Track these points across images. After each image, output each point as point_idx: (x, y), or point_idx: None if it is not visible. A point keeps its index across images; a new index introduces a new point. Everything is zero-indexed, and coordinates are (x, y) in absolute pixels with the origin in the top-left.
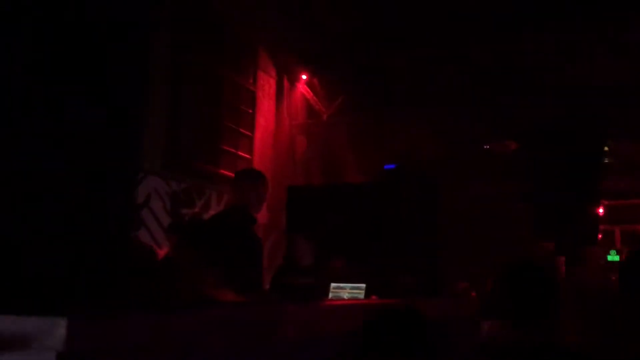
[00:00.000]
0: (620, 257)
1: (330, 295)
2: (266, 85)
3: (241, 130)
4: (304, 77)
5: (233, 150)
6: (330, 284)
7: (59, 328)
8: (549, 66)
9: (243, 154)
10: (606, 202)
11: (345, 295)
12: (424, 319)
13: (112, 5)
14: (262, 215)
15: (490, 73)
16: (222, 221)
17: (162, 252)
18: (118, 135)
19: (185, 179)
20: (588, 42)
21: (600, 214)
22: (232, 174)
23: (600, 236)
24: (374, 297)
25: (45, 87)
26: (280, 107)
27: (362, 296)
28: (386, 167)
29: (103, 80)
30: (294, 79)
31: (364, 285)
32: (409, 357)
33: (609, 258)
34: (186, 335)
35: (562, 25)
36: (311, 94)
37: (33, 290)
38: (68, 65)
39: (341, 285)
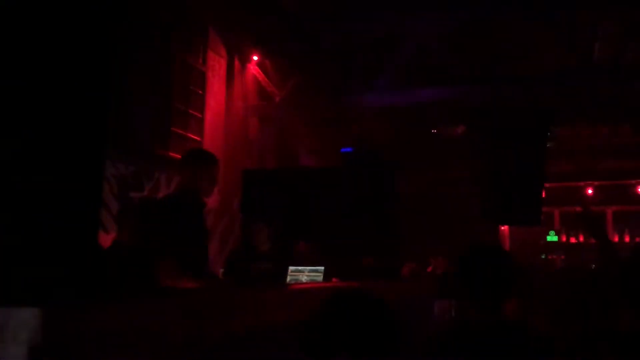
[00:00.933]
0: (558, 238)
1: (289, 278)
2: (216, 65)
3: (191, 111)
4: (255, 57)
5: (182, 132)
6: (288, 267)
7: (32, 318)
8: (498, 53)
9: (193, 136)
10: (547, 185)
11: (303, 278)
12: (381, 302)
13: None
14: (213, 199)
15: (441, 57)
16: (172, 204)
17: (109, 237)
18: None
19: (134, 161)
20: (535, 30)
21: (543, 196)
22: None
23: (542, 217)
24: (334, 279)
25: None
26: (232, 89)
27: (320, 279)
28: (343, 150)
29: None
30: (245, 60)
31: (322, 268)
32: (365, 342)
33: (548, 238)
34: (156, 324)
35: (513, 12)
36: (263, 75)
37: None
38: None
39: (299, 268)
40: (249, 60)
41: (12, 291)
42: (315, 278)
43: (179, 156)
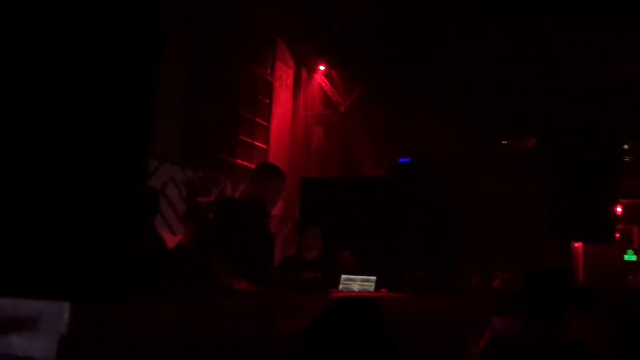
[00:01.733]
0: (637, 257)
1: (341, 287)
2: (284, 75)
3: (258, 120)
4: (321, 68)
5: (249, 140)
6: (340, 276)
7: (63, 312)
8: (570, 65)
9: (259, 144)
10: (624, 201)
11: (355, 287)
12: (380, 314)
13: None
14: (276, 207)
15: (510, 69)
16: (238, 212)
17: (176, 239)
18: (129, 124)
19: (202, 167)
20: (609, 43)
21: (619, 213)
22: (248, 164)
23: (617, 235)
24: (383, 290)
25: (58, 75)
26: (297, 98)
27: (372, 288)
28: (401, 160)
29: (117, 68)
30: (312, 70)
31: (374, 277)
32: (359, 353)
33: (626, 258)
34: (188, 323)
35: (585, 25)
36: (329, 85)
37: (40, 275)
38: (81, 54)
39: (352, 277)
40: (316, 70)
41: (55, 285)
42: (367, 288)
43: (245, 163)
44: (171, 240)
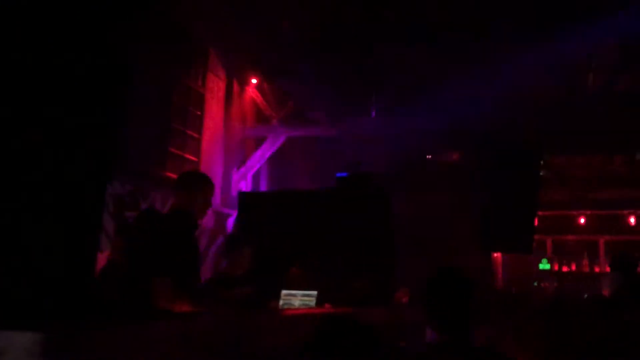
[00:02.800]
0: (551, 266)
1: (281, 302)
2: (215, 87)
3: (189, 132)
4: (254, 81)
5: (180, 152)
6: (279, 292)
7: (33, 343)
8: (491, 79)
9: (190, 157)
10: (540, 213)
11: (296, 302)
12: (371, 330)
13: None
14: (208, 220)
15: (433, 84)
16: (165, 225)
17: (104, 256)
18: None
19: (131, 181)
20: (528, 58)
21: (535, 224)
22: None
23: (534, 245)
24: (327, 305)
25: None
26: (230, 110)
27: (313, 303)
28: (338, 174)
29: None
30: (244, 83)
31: (315, 292)
32: None
33: (541, 267)
34: (157, 348)
35: (504, 39)
36: (261, 98)
37: (4, 304)
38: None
39: (292, 292)
40: (248, 83)
41: (10, 314)
42: (308, 302)
43: (175, 176)
44: (99, 258)
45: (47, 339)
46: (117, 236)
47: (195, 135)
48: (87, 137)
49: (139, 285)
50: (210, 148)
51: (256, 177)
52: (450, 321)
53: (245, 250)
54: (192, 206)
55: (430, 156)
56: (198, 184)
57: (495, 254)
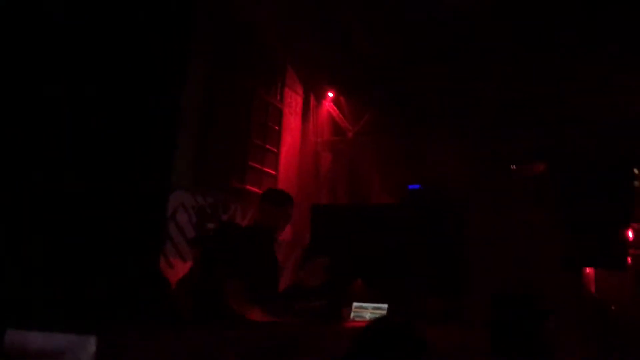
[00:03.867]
0: None
1: (352, 314)
2: (293, 102)
3: (267, 146)
4: (330, 94)
5: (259, 166)
6: (352, 304)
7: (89, 345)
8: (582, 95)
9: (269, 170)
10: (636, 226)
11: (367, 315)
12: (421, 339)
13: (146, 18)
14: (285, 233)
15: (520, 97)
16: (246, 235)
17: (186, 265)
18: (150, 151)
19: (212, 193)
20: (618, 71)
21: (630, 239)
22: (257, 190)
23: (630, 260)
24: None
25: (78, 101)
26: (306, 124)
27: None
28: (410, 187)
29: (141, 93)
30: (321, 96)
31: (386, 305)
32: None
33: None
34: (207, 352)
35: (593, 53)
36: (337, 111)
37: (64, 308)
38: (101, 79)
39: (363, 305)
40: (324, 96)
41: (69, 316)
42: (378, 316)
43: (255, 189)
44: (182, 267)
45: (102, 342)
46: (193, 247)
47: (274, 149)
48: (151, 152)
49: (213, 292)
50: (288, 162)
51: (333, 191)
52: (518, 349)
53: (320, 262)
54: (273, 221)
55: (514, 166)
56: (280, 201)
57: (587, 270)
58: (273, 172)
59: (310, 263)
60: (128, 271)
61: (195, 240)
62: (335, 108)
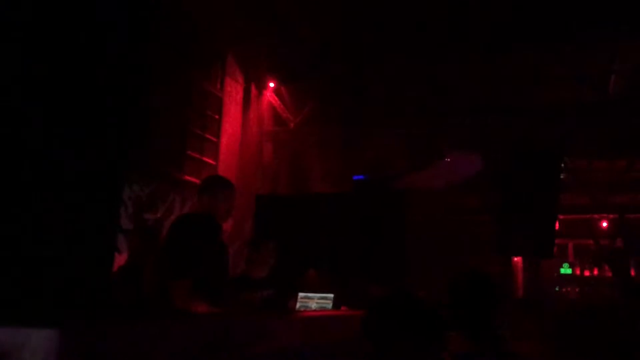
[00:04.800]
0: (572, 271)
1: (298, 305)
2: (233, 91)
3: (207, 136)
4: (271, 84)
5: (198, 155)
6: (296, 294)
7: (50, 340)
8: (514, 85)
9: (208, 160)
10: (561, 217)
11: (313, 305)
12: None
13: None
14: (226, 223)
15: (457, 89)
16: (190, 227)
17: (122, 257)
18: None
19: (149, 183)
20: (550, 65)
21: (556, 228)
22: (196, 180)
23: (555, 249)
24: (343, 307)
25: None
26: (247, 114)
27: (329, 306)
28: (355, 177)
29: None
30: (262, 86)
31: (332, 295)
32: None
33: (562, 271)
34: (171, 347)
35: (528, 48)
36: (279, 101)
37: (22, 301)
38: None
39: (309, 295)
40: (266, 86)
41: (27, 311)
42: (324, 305)
43: (194, 179)
44: (118, 259)
45: (62, 336)
46: (135, 238)
47: (214, 138)
48: (103, 138)
49: (157, 286)
50: (229, 151)
51: (275, 181)
52: (481, 328)
53: (267, 250)
54: (214, 210)
55: (449, 159)
56: (220, 188)
57: (515, 259)
58: (213, 162)
59: (257, 253)
60: (77, 263)
61: (134, 231)
62: (276, 98)
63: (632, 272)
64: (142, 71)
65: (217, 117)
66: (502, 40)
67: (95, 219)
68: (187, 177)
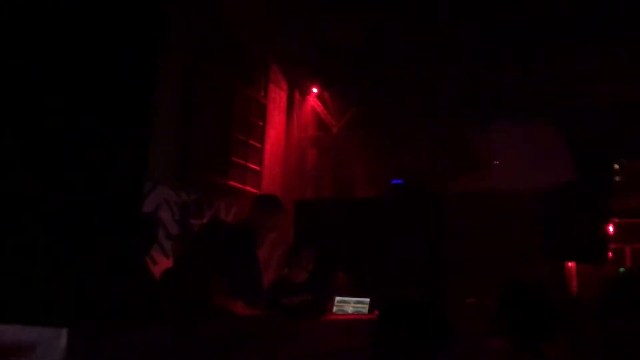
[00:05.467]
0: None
1: (335, 309)
2: (277, 97)
3: (251, 142)
4: (314, 90)
5: (243, 162)
6: (334, 298)
7: (60, 338)
8: (559, 85)
9: (253, 166)
10: (616, 220)
11: (349, 309)
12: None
13: (124, 13)
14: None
15: (501, 91)
16: (231, 240)
17: (170, 261)
18: (126, 145)
19: (195, 189)
20: (597, 65)
21: (611, 233)
22: (241, 186)
23: (610, 255)
24: (377, 312)
25: (55, 93)
26: (291, 120)
27: (366, 310)
28: (393, 181)
29: (113, 88)
30: (305, 92)
31: (367, 299)
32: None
33: None
34: (184, 348)
35: (572, 48)
36: (321, 107)
37: (36, 301)
38: (78, 72)
39: (345, 299)
40: (309, 92)
41: (47, 311)
42: (360, 309)
43: (239, 185)
44: (165, 263)
45: (74, 335)
46: (179, 243)
47: (258, 145)
48: (122, 146)
49: (198, 286)
50: (273, 157)
51: (318, 186)
52: (526, 334)
53: (305, 256)
54: (258, 226)
55: (497, 162)
56: (272, 210)
57: (569, 264)
58: (257, 168)
59: (296, 258)
60: (112, 266)
61: (181, 236)
62: (319, 103)
63: None
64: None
65: (261, 123)
66: (544, 40)
67: (114, 224)
68: (232, 183)
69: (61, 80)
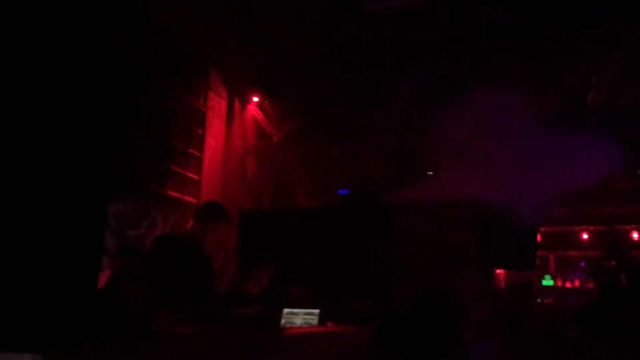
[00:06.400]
0: (554, 282)
1: (283, 321)
2: (217, 106)
3: (190, 151)
4: (255, 99)
5: (181, 171)
6: (282, 310)
7: None
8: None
9: (191, 175)
10: (542, 229)
11: (298, 321)
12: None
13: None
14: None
15: (439, 104)
16: (174, 246)
17: (105, 275)
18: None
19: (132, 199)
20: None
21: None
22: (180, 195)
23: (537, 262)
24: (329, 323)
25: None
26: (231, 128)
27: (315, 322)
28: (340, 192)
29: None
30: (245, 101)
31: (317, 310)
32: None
33: (544, 283)
34: None
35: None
36: (262, 115)
37: (6, 326)
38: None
39: (294, 311)
40: (249, 101)
41: (11, 336)
42: (310, 321)
43: (177, 194)
44: (100, 276)
45: None
46: (122, 256)
47: (197, 153)
48: (87, 155)
49: (143, 308)
50: (212, 166)
51: (258, 195)
52: (435, 347)
53: (265, 272)
54: (203, 238)
55: (431, 172)
56: (217, 219)
57: (498, 271)
58: (196, 177)
59: (255, 270)
60: (63, 285)
61: (120, 248)
62: (260, 112)
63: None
64: (124, 83)
65: (200, 131)
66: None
67: (80, 239)
68: (170, 192)
69: (11, 85)
